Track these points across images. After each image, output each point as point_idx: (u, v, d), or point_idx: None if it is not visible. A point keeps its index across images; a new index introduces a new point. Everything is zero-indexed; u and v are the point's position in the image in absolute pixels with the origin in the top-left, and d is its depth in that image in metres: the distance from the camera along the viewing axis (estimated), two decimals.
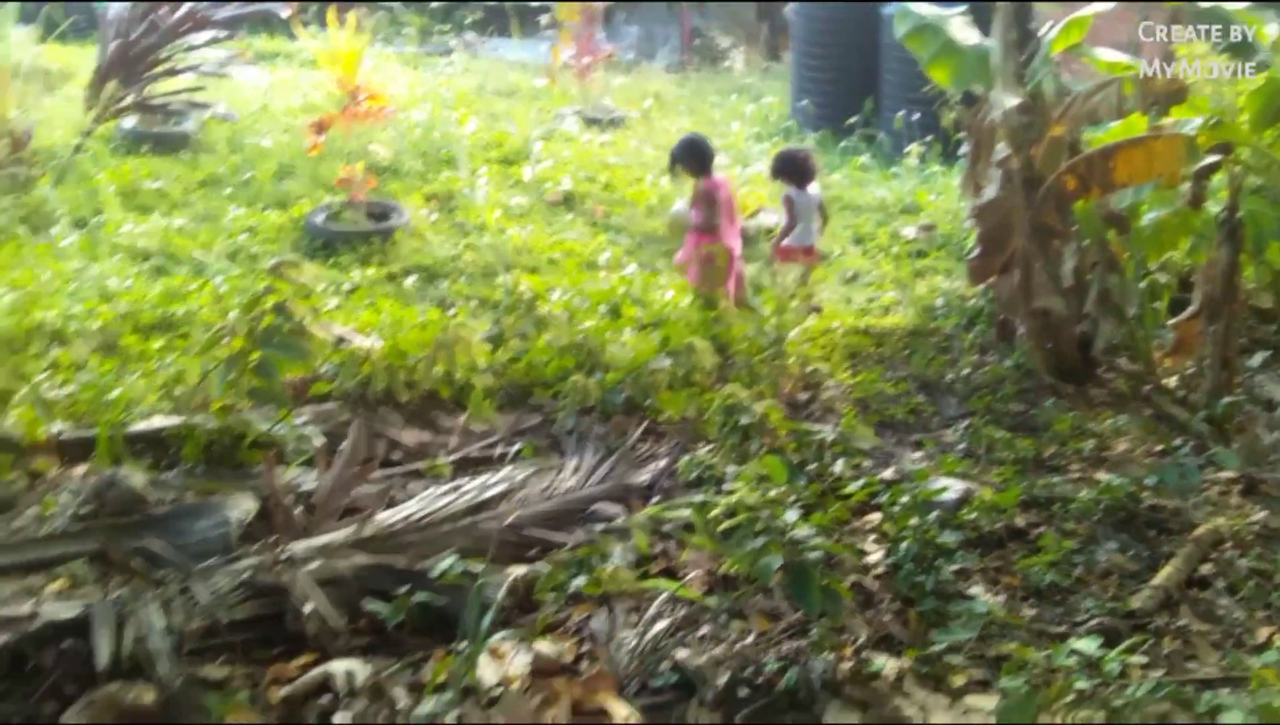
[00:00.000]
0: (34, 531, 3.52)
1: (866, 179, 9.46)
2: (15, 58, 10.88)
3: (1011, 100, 5.24)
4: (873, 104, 10.54)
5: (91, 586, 3.19)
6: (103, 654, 2.79)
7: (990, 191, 5.53)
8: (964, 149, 6.25)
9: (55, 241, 7.40)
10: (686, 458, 4.12)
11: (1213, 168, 4.82)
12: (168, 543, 3.35)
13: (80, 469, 4.05)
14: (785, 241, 6.79)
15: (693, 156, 6.54)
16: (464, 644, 2.96)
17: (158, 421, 4.36)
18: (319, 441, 4.19)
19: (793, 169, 6.84)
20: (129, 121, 9.82)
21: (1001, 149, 5.44)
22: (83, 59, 11.47)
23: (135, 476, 3.69)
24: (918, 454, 4.45)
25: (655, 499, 4.01)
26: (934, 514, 3.48)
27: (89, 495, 3.62)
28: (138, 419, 4.41)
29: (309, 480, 3.95)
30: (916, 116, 9.47)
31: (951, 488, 3.82)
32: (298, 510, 3.74)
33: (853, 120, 10.28)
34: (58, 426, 4.25)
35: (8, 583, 3.17)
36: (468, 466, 4.34)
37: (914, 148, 9.32)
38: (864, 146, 10.09)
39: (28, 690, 2.80)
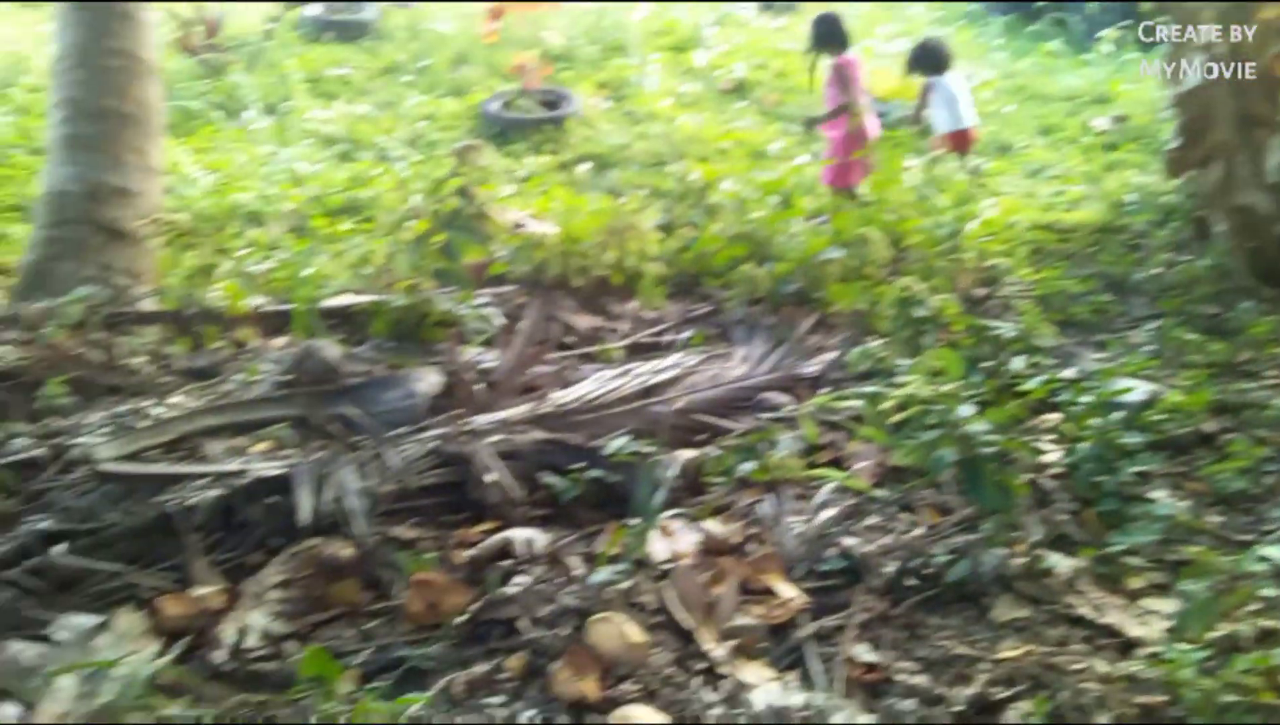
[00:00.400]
0: (240, 396, 3.78)
1: (1056, 66, 8.98)
2: None
3: None
4: None
5: (293, 449, 3.42)
6: (305, 510, 3.00)
7: (1193, 78, 5.18)
8: (1165, 33, 5.85)
9: (248, 126, 7.75)
10: (857, 350, 4.09)
11: None
12: (362, 411, 3.55)
13: (279, 340, 4.32)
14: (941, 129, 6.59)
15: (822, 32, 6.33)
16: (636, 519, 3.05)
17: (348, 298, 4.58)
18: (499, 322, 4.33)
19: (927, 58, 6.60)
20: (312, 9, 10.11)
21: (1207, 32, 5.07)
22: None
23: (331, 348, 3.90)
24: (1101, 354, 4.29)
25: (824, 390, 4.00)
26: (1117, 414, 3.36)
27: (289, 364, 3.85)
28: (329, 295, 4.64)
29: (488, 358, 4.10)
30: None
31: (1137, 389, 3.68)
32: (479, 386, 3.89)
33: (1043, 3, 9.71)
34: (257, 300, 4.52)
35: (219, 441, 3.43)
36: (638, 352, 4.42)
37: (1109, 33, 8.76)
38: (1054, 31, 9.55)
39: (237, 541, 3.04)
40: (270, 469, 3.17)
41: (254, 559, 2.99)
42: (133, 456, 2.99)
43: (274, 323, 4.40)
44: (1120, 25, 8.72)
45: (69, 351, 3.97)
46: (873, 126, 6.28)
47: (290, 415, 3.56)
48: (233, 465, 3.20)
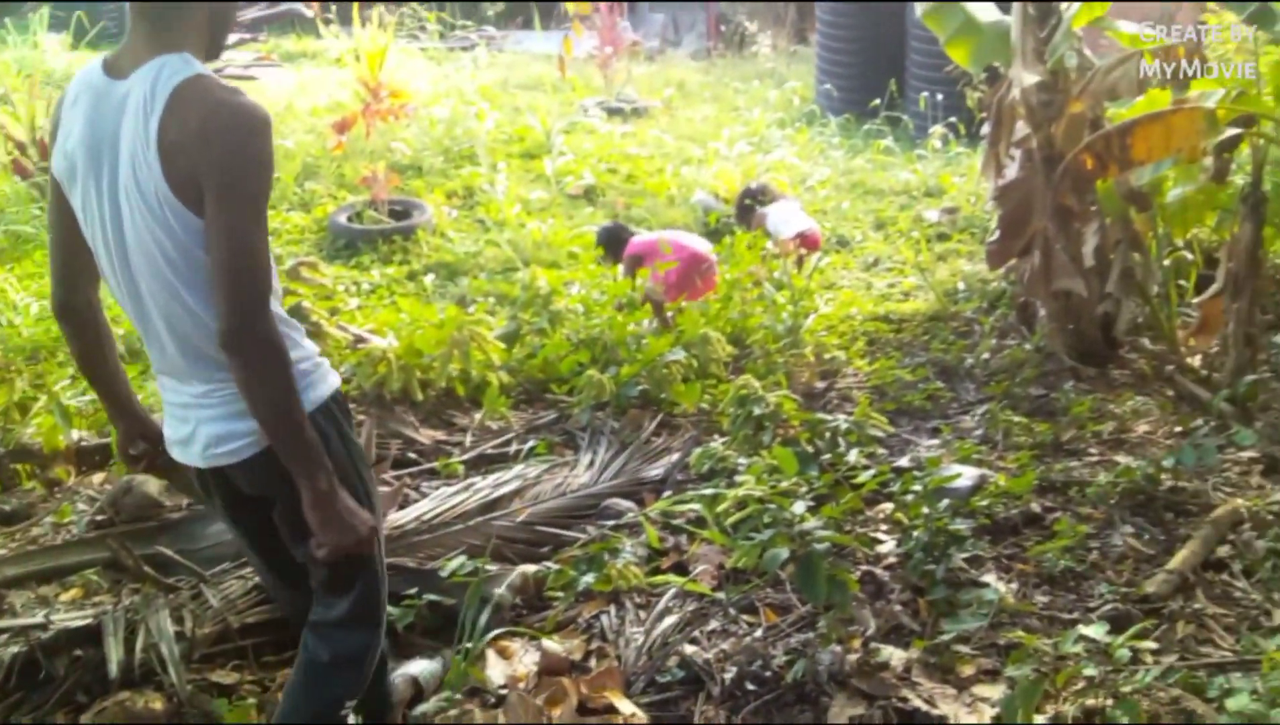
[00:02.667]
0: (51, 539, 3.57)
1: (890, 162, 9.36)
2: (46, 65, 11.06)
3: (1030, 77, 5.13)
4: (897, 86, 10.41)
5: (105, 594, 3.23)
6: (114, 662, 2.82)
7: (1011, 172, 5.44)
8: (986, 129, 6.15)
9: None
10: (699, 450, 4.10)
11: (1234, 141, 4.71)
12: (181, 548, 3.38)
13: (98, 477, 4.11)
14: (783, 234, 6.61)
15: (611, 245, 6.50)
16: (467, 644, 2.96)
17: None
18: None
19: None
20: None
21: (1021, 128, 5.34)
22: None
23: (150, 482, 3.71)
24: (934, 441, 4.40)
25: (667, 493, 3.99)
26: (946, 502, 3.43)
27: (105, 502, 3.66)
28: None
29: None
30: (941, 97, 9.35)
31: (965, 474, 3.78)
32: None
33: (876, 103, 10.16)
34: (77, 434, 4.30)
35: (22, 593, 3.22)
36: (482, 464, 4.35)
37: (937, 129, 9.19)
38: (888, 130, 9.98)
39: (41, 699, 2.83)
40: (77, 619, 2.98)
41: (60, 718, 2.80)
42: None
43: (93, 458, 4.19)
44: (948, 122, 9.15)
45: None
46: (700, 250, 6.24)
47: (102, 558, 3.36)
48: (36, 617, 2.99)
